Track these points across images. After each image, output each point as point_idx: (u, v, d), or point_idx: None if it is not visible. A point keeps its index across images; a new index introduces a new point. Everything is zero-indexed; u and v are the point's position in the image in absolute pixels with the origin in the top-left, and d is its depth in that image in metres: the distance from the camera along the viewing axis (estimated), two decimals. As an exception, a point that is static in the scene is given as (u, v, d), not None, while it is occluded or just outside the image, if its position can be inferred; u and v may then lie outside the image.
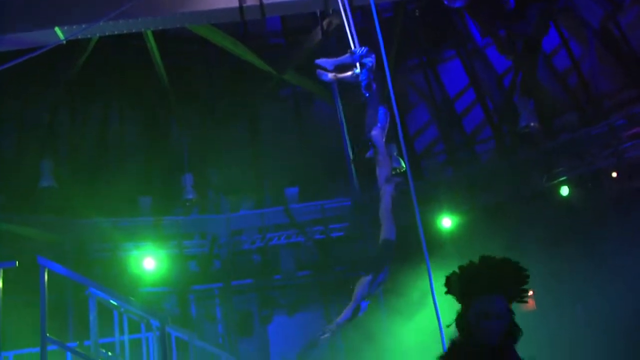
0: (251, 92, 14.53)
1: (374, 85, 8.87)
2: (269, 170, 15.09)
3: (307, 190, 14.84)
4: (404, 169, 9.57)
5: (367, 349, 12.39)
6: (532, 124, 12.70)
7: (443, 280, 3.72)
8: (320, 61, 9.17)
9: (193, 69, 14.69)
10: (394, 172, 11.76)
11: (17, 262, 5.73)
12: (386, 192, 8.80)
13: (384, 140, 8.94)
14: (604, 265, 11.08)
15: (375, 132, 8.90)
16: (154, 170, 14.68)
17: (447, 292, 3.69)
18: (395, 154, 12.79)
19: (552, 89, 13.72)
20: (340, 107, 10.24)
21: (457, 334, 3.62)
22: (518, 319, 3.57)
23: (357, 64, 8.88)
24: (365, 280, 8.69)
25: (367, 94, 8.92)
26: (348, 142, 10.84)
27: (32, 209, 12.84)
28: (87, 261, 13.33)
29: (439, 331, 7.60)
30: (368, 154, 9.07)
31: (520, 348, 3.73)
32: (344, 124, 10.26)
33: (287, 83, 14.23)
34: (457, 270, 3.61)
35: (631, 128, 12.24)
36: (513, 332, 3.52)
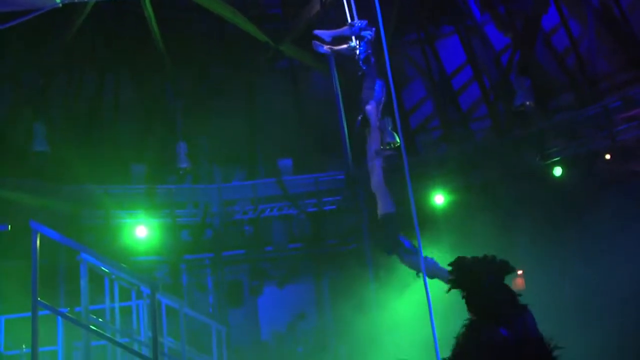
0: (248, 63, 14.45)
1: (372, 59, 8.84)
2: (263, 142, 15.07)
3: (301, 162, 14.84)
4: (398, 144, 9.56)
5: (357, 322, 12.49)
6: (527, 103, 12.69)
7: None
8: (318, 32, 9.13)
9: (189, 37, 14.57)
10: (388, 147, 11.76)
11: (9, 226, 5.71)
12: (376, 166, 8.81)
13: (379, 114, 8.91)
14: (595, 245, 11.16)
15: (370, 106, 8.87)
16: (148, 137, 14.63)
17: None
18: (389, 128, 12.78)
19: (549, 68, 13.68)
20: (336, 80, 10.17)
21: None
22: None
23: (355, 37, 8.85)
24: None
25: (365, 67, 8.89)
26: (343, 115, 10.81)
27: (25, 173, 12.79)
28: (79, 228, 13.32)
29: (427, 305, 7.69)
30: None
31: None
32: (340, 97, 10.20)
33: (284, 55, 14.14)
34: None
35: (626, 110, 12.24)
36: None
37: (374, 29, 8.73)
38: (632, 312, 10.59)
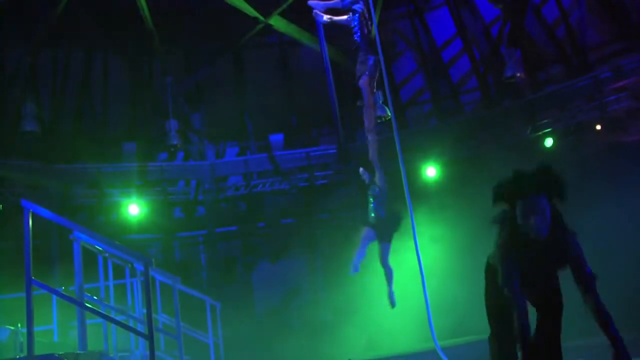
0: (236, 38, 14.35)
1: (365, 31, 8.85)
2: (254, 117, 15.03)
3: (293, 137, 14.83)
4: (389, 117, 9.58)
5: (350, 294, 12.59)
6: (518, 75, 12.68)
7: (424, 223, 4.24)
8: (312, 3, 9.15)
9: (178, 13, 14.45)
10: (379, 120, 11.79)
11: (1, 206, 5.70)
12: (370, 141, 8.87)
13: (372, 89, 8.93)
14: (585, 216, 11.20)
15: (362, 81, 8.88)
16: (138, 115, 14.57)
17: (495, 203, 4.37)
18: (380, 102, 12.78)
19: (539, 39, 13.66)
20: (327, 54, 10.14)
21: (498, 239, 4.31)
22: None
23: (347, 9, 8.87)
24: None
25: (359, 41, 8.90)
26: (334, 89, 10.79)
27: (15, 153, 12.74)
28: (71, 207, 13.32)
29: (418, 271, 7.78)
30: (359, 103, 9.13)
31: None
32: (330, 71, 10.18)
33: (274, 29, 14.05)
34: (500, 183, 4.34)
35: (616, 81, 12.26)
36: (558, 221, 4.21)
37: (362, 2, 8.73)
38: (624, 279, 10.68)
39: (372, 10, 8.62)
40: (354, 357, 11.16)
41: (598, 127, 12.53)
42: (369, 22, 8.96)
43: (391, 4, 14.32)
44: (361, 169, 8.95)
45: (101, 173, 13.48)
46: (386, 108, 9.94)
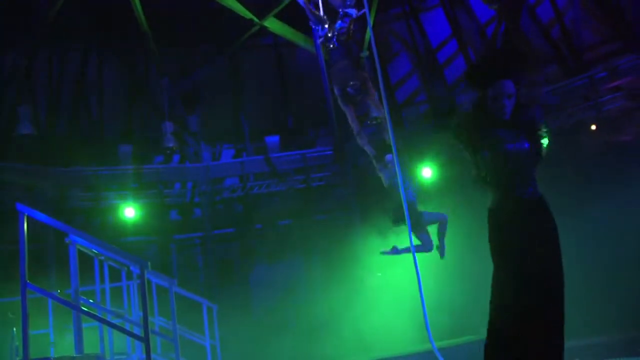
0: (232, 40, 14.35)
1: (344, 38, 8.98)
2: (250, 119, 15.03)
3: (289, 139, 14.83)
4: (384, 119, 9.59)
5: (346, 295, 12.61)
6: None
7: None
8: None
9: (173, 14, 14.44)
10: (375, 122, 11.85)
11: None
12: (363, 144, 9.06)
13: (346, 95, 9.08)
14: (581, 216, 11.21)
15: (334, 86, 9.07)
16: (134, 117, 14.56)
17: (468, 84, 4.66)
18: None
19: (534, 40, 13.67)
20: (322, 56, 10.16)
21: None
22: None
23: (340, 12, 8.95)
24: None
25: (337, 44, 9.01)
26: (329, 91, 10.82)
27: (11, 156, 12.71)
28: (67, 210, 13.30)
29: (414, 272, 7.79)
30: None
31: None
32: (325, 72, 10.20)
33: (269, 31, 14.05)
34: (471, 67, 4.72)
35: (611, 81, 12.27)
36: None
37: (354, 10, 8.86)
38: (621, 278, 10.70)
39: (367, 12, 8.64)
40: (352, 357, 11.18)
41: (593, 127, 12.54)
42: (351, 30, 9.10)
43: (386, 5, 14.33)
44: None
45: (97, 176, 13.47)
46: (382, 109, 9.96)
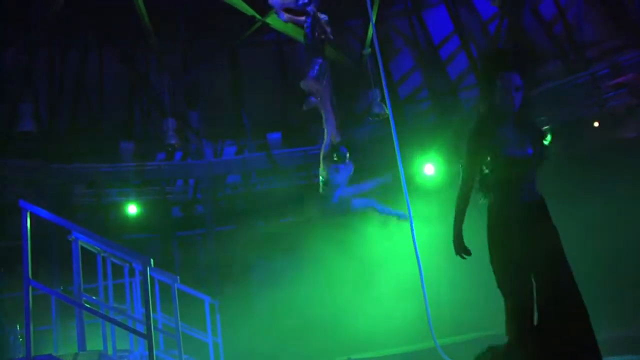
0: (233, 36, 14.32)
1: (316, 34, 9.03)
2: (251, 116, 15.02)
3: (291, 136, 14.81)
4: (386, 115, 9.58)
5: (349, 292, 12.62)
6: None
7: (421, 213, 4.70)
8: (272, 1, 9.39)
9: (174, 11, 14.42)
10: (378, 118, 11.86)
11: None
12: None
13: (322, 92, 9.13)
14: (582, 213, 11.20)
15: (304, 83, 9.10)
16: (135, 114, 14.55)
17: (482, 72, 4.96)
18: (378, 99, 12.80)
19: (537, 36, 13.64)
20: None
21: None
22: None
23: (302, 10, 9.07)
24: None
25: (309, 42, 9.08)
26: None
27: (12, 153, 12.72)
28: (69, 207, 13.31)
29: (417, 269, 7.79)
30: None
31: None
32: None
33: (271, 27, 14.03)
34: (483, 58, 5.12)
35: (614, 77, 12.24)
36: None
37: (314, 3, 8.91)
38: (624, 274, 10.71)
39: (370, 9, 8.62)
40: (354, 355, 11.17)
41: (596, 123, 12.51)
42: (323, 26, 9.12)
43: (388, 1, 14.30)
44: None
45: (99, 173, 13.47)
46: (384, 106, 9.96)
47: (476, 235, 4.93)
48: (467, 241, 4.82)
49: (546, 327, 4.33)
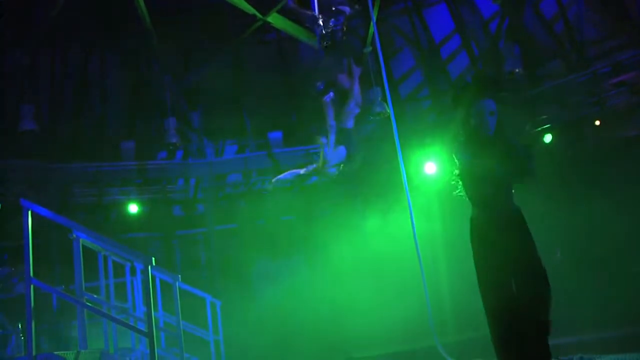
0: (234, 35, 14.33)
1: (340, 35, 9.03)
2: (253, 115, 15.02)
3: (292, 134, 14.82)
4: (387, 114, 9.59)
5: (349, 292, 12.62)
6: (517, 70, 12.66)
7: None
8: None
9: (175, 11, 14.43)
10: (379, 116, 11.88)
11: (0, 205, 5.71)
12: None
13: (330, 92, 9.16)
14: (584, 212, 11.21)
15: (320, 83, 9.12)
16: (136, 113, 14.56)
17: (454, 105, 5.09)
18: (379, 98, 12.80)
19: (538, 35, 13.64)
20: (323, 52, 10.15)
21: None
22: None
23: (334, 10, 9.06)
24: None
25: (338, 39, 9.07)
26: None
27: (14, 152, 12.73)
28: (71, 206, 13.33)
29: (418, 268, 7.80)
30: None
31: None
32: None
33: (272, 27, 14.04)
34: (456, 88, 5.30)
35: (615, 76, 12.24)
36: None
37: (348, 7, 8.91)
38: (625, 271, 10.71)
39: (371, 7, 8.63)
40: (355, 353, 11.19)
41: (597, 122, 12.51)
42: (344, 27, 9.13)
43: (389, 0, 14.29)
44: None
45: (100, 172, 13.49)
46: (385, 104, 9.96)
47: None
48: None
49: (510, 338, 4.60)
